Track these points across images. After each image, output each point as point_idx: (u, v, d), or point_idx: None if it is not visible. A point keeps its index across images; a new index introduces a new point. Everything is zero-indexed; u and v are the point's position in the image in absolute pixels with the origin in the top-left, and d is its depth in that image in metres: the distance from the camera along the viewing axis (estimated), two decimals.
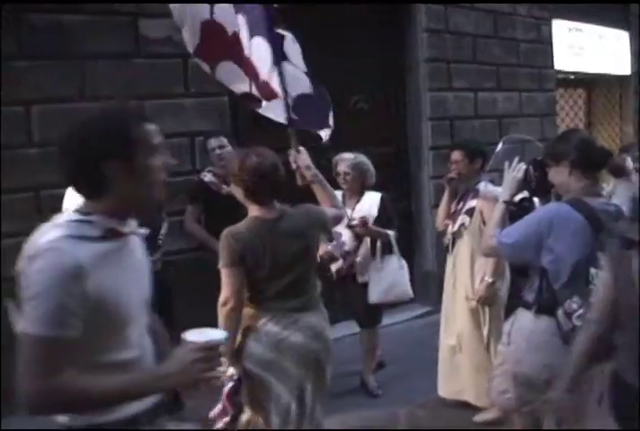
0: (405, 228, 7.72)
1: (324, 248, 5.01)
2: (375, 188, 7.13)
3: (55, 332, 1.79)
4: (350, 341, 5.92)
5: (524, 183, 3.59)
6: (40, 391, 1.80)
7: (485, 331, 4.80)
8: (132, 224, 2.08)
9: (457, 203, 5.07)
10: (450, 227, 5.04)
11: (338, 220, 4.02)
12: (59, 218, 1.97)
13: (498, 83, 8.37)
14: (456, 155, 5.03)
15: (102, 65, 5.55)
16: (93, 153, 1.91)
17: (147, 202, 2.12)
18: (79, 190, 1.99)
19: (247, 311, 3.53)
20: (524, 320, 3.36)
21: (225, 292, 3.45)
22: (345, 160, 5.48)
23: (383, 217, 5.42)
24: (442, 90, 7.75)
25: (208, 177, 5.63)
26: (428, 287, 7.55)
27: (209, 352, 1.97)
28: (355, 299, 5.44)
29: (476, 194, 4.86)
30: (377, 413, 5.08)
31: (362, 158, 5.53)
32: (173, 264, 5.36)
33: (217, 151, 5.57)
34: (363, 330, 5.62)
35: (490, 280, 4.63)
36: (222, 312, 3.44)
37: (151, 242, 4.85)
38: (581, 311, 3.04)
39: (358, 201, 5.50)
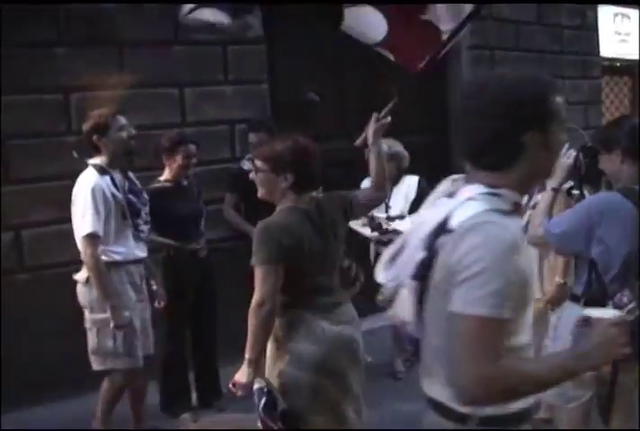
0: None
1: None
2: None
3: (501, 313, 1.64)
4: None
5: (573, 170, 3.49)
6: (483, 378, 1.64)
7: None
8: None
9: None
10: None
11: (374, 201, 3.79)
12: (465, 192, 1.83)
13: (542, 70, 8.17)
14: None
15: (141, 53, 5.52)
16: (518, 122, 1.76)
17: (546, 177, 2.06)
18: (486, 160, 1.83)
19: (284, 311, 3.17)
20: (572, 313, 3.26)
21: (261, 292, 3.01)
22: None
23: (421, 200, 5.32)
24: None
25: (247, 165, 5.57)
26: None
27: (622, 327, 1.83)
28: None
29: (543, 187, 4.66)
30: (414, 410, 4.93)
31: (398, 147, 5.52)
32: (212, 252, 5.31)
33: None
34: None
35: (562, 281, 4.43)
36: (257, 316, 3.00)
37: (195, 229, 4.91)
38: (631, 305, 2.93)
39: (395, 185, 5.47)
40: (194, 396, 5.11)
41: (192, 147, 4.85)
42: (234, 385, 3.06)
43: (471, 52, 7.47)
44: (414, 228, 1.90)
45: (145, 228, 4.32)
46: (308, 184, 3.28)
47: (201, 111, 5.79)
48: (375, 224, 5.29)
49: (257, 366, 3.05)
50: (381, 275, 1.96)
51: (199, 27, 5.68)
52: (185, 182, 4.96)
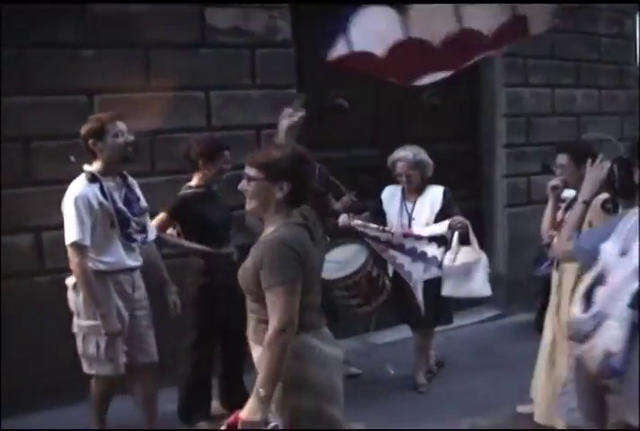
0: (476, 229, 7.45)
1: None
2: (445, 186, 6.94)
3: None
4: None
5: (607, 183, 3.32)
6: None
7: None
8: None
9: (565, 211, 4.46)
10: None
11: None
12: None
13: (577, 80, 8.02)
14: (561, 159, 4.47)
15: (167, 55, 5.44)
16: None
17: None
18: None
19: None
20: None
21: (285, 317, 2.64)
22: (404, 160, 5.27)
23: (447, 211, 5.23)
24: (518, 85, 7.45)
25: None
26: (498, 290, 7.25)
27: None
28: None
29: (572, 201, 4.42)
30: (437, 424, 4.74)
31: (422, 155, 5.33)
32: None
33: None
34: (419, 331, 5.47)
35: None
36: (278, 344, 2.62)
37: (226, 234, 4.88)
38: None
39: (420, 194, 5.33)
40: (214, 404, 5.00)
41: (228, 153, 4.80)
42: (237, 423, 2.62)
43: (504, 60, 7.30)
44: (618, 261, 1.80)
45: (139, 237, 4.25)
46: (304, 196, 2.95)
47: (227, 115, 5.69)
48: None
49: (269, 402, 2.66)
50: (578, 310, 1.85)
51: (226, 29, 5.62)
52: (215, 187, 4.88)
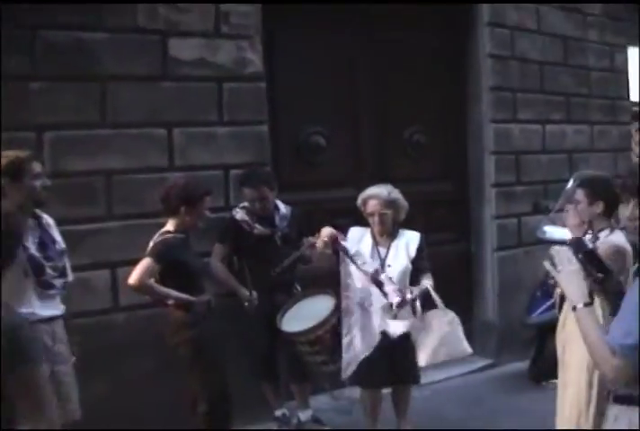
0: (464, 273, 7.02)
1: None
2: (432, 228, 6.50)
3: None
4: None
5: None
6: None
7: None
8: None
9: None
10: None
11: None
12: None
13: (568, 115, 7.63)
14: (578, 195, 4.04)
15: (125, 89, 4.98)
16: None
17: None
18: None
19: None
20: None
21: None
22: (377, 197, 4.74)
23: (418, 263, 4.74)
24: (507, 121, 7.03)
25: (240, 214, 5.03)
26: (488, 339, 6.83)
27: None
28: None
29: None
30: None
31: (397, 194, 4.81)
32: None
33: (256, 205, 5.02)
34: (398, 387, 4.89)
35: None
36: None
37: (202, 282, 4.60)
38: None
39: (394, 238, 4.79)
40: None
41: (209, 198, 4.56)
42: None
43: (492, 94, 6.90)
44: None
45: (58, 282, 3.85)
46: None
47: (192, 155, 5.22)
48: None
49: None
50: None
51: (191, 61, 5.19)
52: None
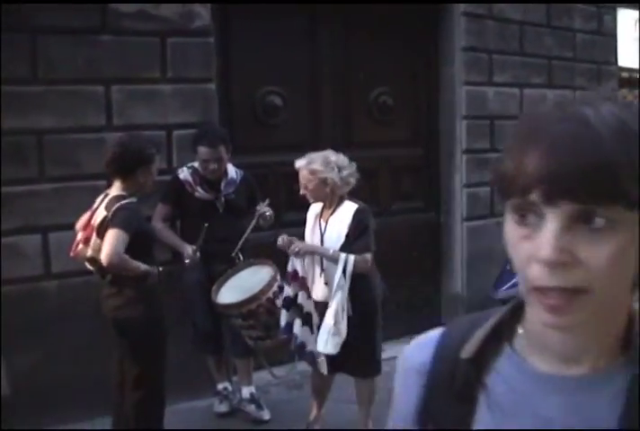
0: (432, 244, 6.72)
1: None
2: (399, 196, 6.20)
3: None
4: None
5: None
6: None
7: None
8: None
9: None
10: None
11: None
12: None
13: (549, 79, 7.26)
14: None
15: (59, 43, 4.66)
16: None
17: None
18: None
19: None
20: None
21: None
22: (303, 168, 4.25)
23: (354, 241, 4.18)
24: (481, 84, 6.67)
25: (184, 174, 4.73)
26: (456, 312, 6.54)
27: None
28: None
29: None
30: None
31: (333, 157, 4.26)
32: None
33: (212, 165, 4.65)
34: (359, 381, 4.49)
35: None
36: None
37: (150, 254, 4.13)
38: None
39: (333, 213, 4.30)
40: None
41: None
42: None
43: (466, 55, 6.53)
44: None
45: None
46: None
47: (132, 113, 4.89)
48: None
49: None
50: None
51: (132, 13, 4.86)
52: None
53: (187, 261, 4.53)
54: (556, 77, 7.34)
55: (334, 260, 4.11)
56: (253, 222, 4.72)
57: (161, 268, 4.09)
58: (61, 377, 4.61)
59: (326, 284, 4.21)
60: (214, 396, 5.07)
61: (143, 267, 3.91)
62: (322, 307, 4.18)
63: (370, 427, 4.47)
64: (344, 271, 4.05)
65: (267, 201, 4.80)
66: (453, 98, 6.58)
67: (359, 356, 4.22)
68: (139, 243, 3.90)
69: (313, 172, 4.19)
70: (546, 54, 7.23)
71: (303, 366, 4.78)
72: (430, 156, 6.70)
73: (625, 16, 8.23)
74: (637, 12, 8.37)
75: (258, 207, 4.77)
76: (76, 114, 4.73)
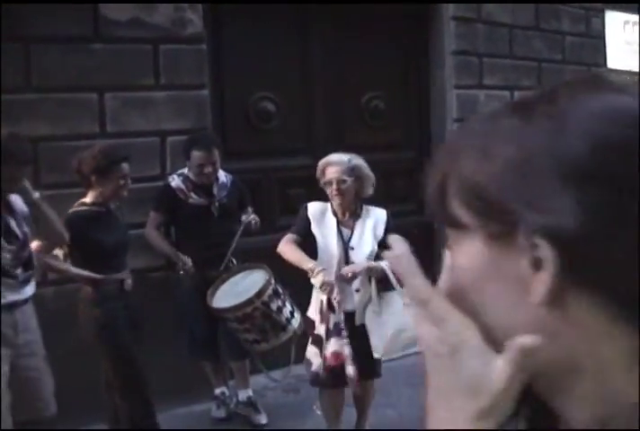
0: (425, 247, 6.75)
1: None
2: (392, 198, 6.22)
3: None
4: None
5: None
6: None
7: None
8: None
9: None
10: None
11: None
12: None
13: (539, 82, 7.31)
14: None
15: (52, 51, 4.70)
16: None
17: None
18: None
19: None
20: None
21: None
22: (336, 163, 4.20)
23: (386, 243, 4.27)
24: (472, 87, 6.72)
25: (175, 181, 4.76)
26: None
27: None
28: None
29: None
30: None
31: (360, 161, 4.29)
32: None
33: (208, 168, 4.67)
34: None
35: None
36: None
37: (121, 259, 4.26)
38: None
39: (357, 218, 4.28)
40: None
41: (126, 166, 4.15)
42: None
43: (456, 58, 6.59)
44: None
45: (20, 274, 3.61)
46: None
47: (125, 121, 4.93)
48: None
49: None
50: None
51: (124, 21, 4.90)
52: (112, 206, 4.28)
53: (181, 273, 4.60)
54: (546, 80, 7.39)
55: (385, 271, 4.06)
56: (239, 231, 4.75)
57: (122, 278, 4.20)
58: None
59: (357, 291, 4.22)
60: (212, 401, 5.10)
61: (74, 271, 4.06)
62: (352, 317, 4.20)
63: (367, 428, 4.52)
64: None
65: (251, 210, 4.85)
66: (444, 101, 6.63)
67: (359, 360, 4.23)
68: (88, 250, 4.07)
69: (353, 168, 4.18)
70: (536, 56, 7.30)
71: (299, 370, 4.81)
72: (422, 159, 6.73)
73: (613, 18, 8.29)
74: (624, 14, 8.43)
75: (243, 218, 4.80)
76: (70, 121, 4.77)
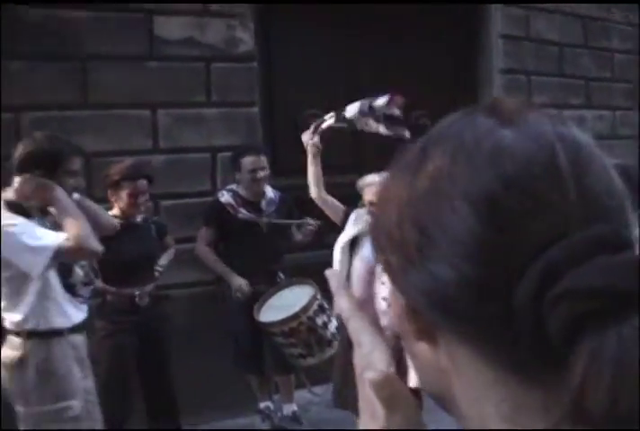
0: None
1: None
2: None
3: None
4: None
5: None
6: None
7: None
8: None
9: None
10: None
11: None
12: None
13: (588, 100, 7.30)
14: None
15: (108, 69, 4.83)
16: None
17: None
18: None
19: None
20: None
21: None
22: (372, 185, 4.25)
23: None
24: None
25: (225, 197, 4.84)
26: None
27: None
28: None
29: None
30: None
31: None
32: (175, 299, 4.63)
33: (260, 173, 4.76)
34: None
35: None
36: None
37: (141, 274, 4.26)
38: None
39: None
40: None
41: (142, 183, 4.21)
42: None
43: (504, 77, 6.61)
44: None
45: (85, 291, 3.54)
46: None
47: (177, 137, 5.05)
48: None
49: None
50: None
51: (177, 40, 5.01)
52: (139, 219, 4.34)
53: (238, 295, 4.67)
54: (595, 98, 7.37)
55: None
56: (292, 238, 4.82)
57: (128, 292, 4.20)
58: None
59: (384, 299, 4.26)
60: (256, 414, 5.15)
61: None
62: None
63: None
64: None
65: (307, 219, 4.91)
66: None
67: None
68: (103, 262, 3.98)
69: None
70: (585, 74, 7.28)
71: None
72: None
73: None
74: None
75: (294, 227, 4.88)
76: (124, 137, 4.89)
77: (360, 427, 0.69)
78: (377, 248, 0.65)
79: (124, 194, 4.17)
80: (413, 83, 6.25)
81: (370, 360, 0.67)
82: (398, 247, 0.60)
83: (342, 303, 0.73)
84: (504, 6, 6.55)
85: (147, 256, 4.35)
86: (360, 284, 4.06)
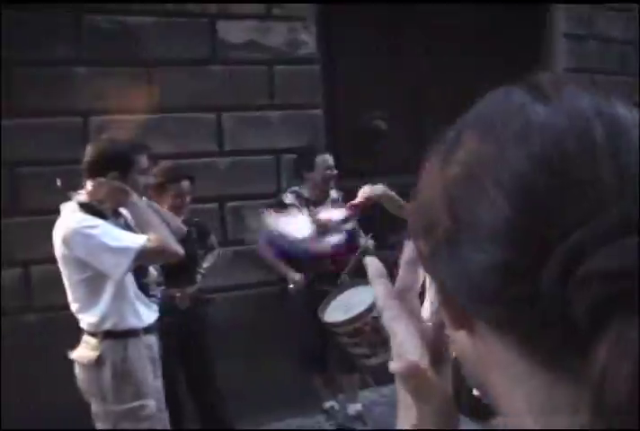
0: None
1: None
2: None
3: None
4: None
5: None
6: None
7: None
8: None
9: None
10: None
11: None
12: None
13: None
14: None
15: (173, 73, 4.92)
16: None
17: None
18: None
19: None
20: None
21: None
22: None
23: None
24: None
25: (289, 198, 4.88)
26: None
27: None
28: None
29: None
30: None
31: None
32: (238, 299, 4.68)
33: (334, 171, 4.84)
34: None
35: None
36: None
37: (182, 276, 4.23)
38: None
39: None
40: None
41: (186, 184, 4.24)
42: None
43: (569, 76, 6.52)
44: None
45: (156, 291, 3.58)
46: None
47: (242, 139, 5.11)
48: None
49: None
50: None
51: (241, 44, 5.08)
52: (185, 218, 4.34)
53: (291, 286, 4.71)
54: None
55: None
56: (363, 245, 4.83)
57: (174, 294, 4.19)
58: (42, 408, 4.32)
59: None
60: (321, 414, 5.17)
61: None
62: None
63: None
64: None
65: (369, 235, 4.93)
66: None
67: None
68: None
69: None
70: None
71: None
72: None
73: None
74: None
75: (362, 242, 4.88)
76: (190, 140, 4.97)
77: (399, 419, 0.71)
78: (412, 233, 0.64)
79: (168, 195, 4.17)
80: (476, 85, 6.21)
81: (402, 350, 0.67)
82: (430, 232, 0.59)
83: (378, 292, 0.73)
84: (568, 5, 6.48)
85: (188, 258, 4.30)
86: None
